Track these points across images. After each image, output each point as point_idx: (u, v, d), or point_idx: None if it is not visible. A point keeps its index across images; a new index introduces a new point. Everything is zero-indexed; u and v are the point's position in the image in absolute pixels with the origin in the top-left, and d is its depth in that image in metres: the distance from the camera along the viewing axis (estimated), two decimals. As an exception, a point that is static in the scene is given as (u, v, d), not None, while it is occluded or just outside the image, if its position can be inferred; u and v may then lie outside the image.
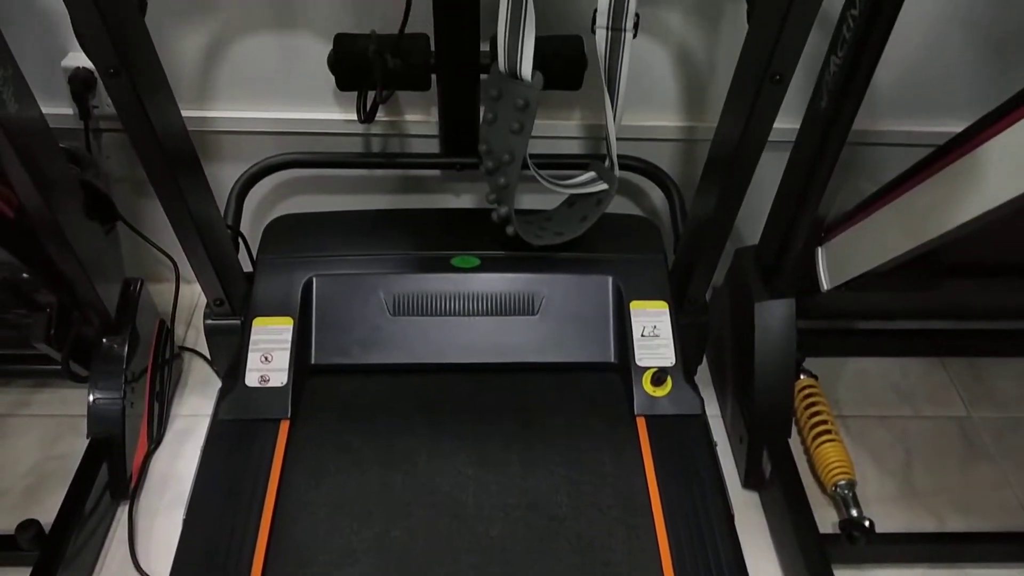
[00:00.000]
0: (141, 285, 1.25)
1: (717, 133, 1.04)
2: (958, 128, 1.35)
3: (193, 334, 1.50)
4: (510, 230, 1.15)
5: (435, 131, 1.35)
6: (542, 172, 1.16)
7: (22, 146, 0.92)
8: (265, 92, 1.33)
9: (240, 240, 1.24)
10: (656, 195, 1.44)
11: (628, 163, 1.34)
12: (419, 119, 1.36)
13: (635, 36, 1.05)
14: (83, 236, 1.08)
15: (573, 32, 1.23)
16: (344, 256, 1.18)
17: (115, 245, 1.30)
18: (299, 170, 1.38)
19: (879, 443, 1.36)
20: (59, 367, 1.17)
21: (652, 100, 1.36)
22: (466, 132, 1.28)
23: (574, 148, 1.40)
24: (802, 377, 1.35)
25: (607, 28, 1.04)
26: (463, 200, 1.47)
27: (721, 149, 1.03)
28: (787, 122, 1.05)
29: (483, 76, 1.20)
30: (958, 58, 1.30)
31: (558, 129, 1.37)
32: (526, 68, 1.05)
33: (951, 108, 1.36)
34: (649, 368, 1.11)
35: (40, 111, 0.97)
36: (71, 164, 1.17)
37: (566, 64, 1.20)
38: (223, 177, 1.38)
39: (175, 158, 0.99)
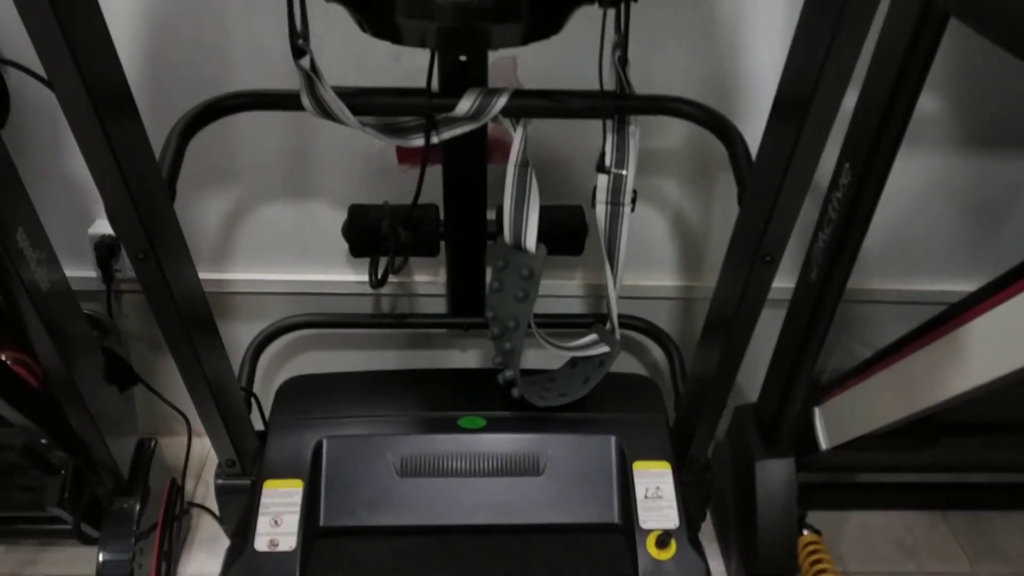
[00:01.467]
0: (155, 445, 1.27)
1: (714, 299, 1.09)
2: (942, 287, 1.42)
3: (203, 489, 1.51)
4: (515, 392, 1.19)
5: (443, 291, 1.41)
6: (545, 334, 1.21)
7: (49, 317, 0.96)
8: (281, 255, 1.40)
9: (253, 400, 1.28)
10: (656, 350, 1.49)
11: (628, 322, 1.39)
12: (427, 279, 1.42)
13: (633, 210, 1.11)
14: (101, 400, 1.11)
15: (575, 201, 1.29)
16: (353, 418, 1.21)
17: (130, 403, 1.33)
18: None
19: (886, 600, 1.36)
20: (69, 527, 1.19)
21: (651, 261, 1.42)
22: (473, 294, 1.33)
23: (577, 307, 1.45)
24: (805, 533, 1.35)
25: (606, 203, 1.10)
26: (469, 355, 1.51)
27: (718, 314, 1.08)
28: (783, 282, 1.10)
29: (489, 243, 1.26)
30: (939, 223, 1.36)
31: (561, 288, 1.43)
32: (530, 240, 1.11)
33: (934, 269, 1.42)
34: (653, 531, 1.13)
35: (67, 282, 1.02)
36: (93, 329, 1.22)
37: (568, 233, 1.26)
38: (238, 335, 1.42)
39: (192, 323, 1.03)
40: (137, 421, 1.43)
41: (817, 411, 1.20)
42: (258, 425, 1.27)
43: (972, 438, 1.17)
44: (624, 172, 1.07)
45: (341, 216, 1.28)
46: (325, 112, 0.99)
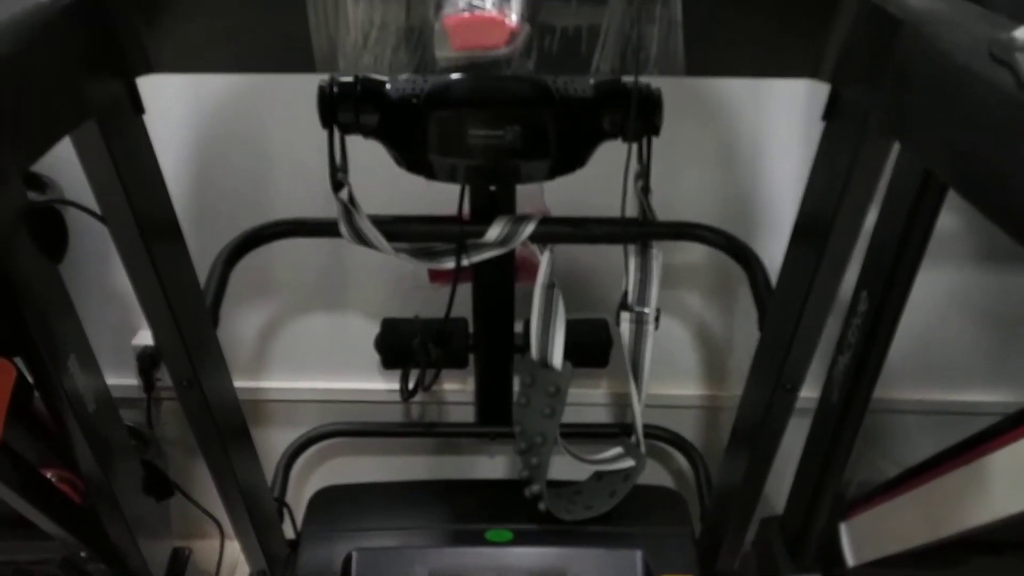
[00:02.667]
0: (189, 554, 1.30)
1: (738, 418, 1.11)
2: (966, 398, 1.43)
3: (232, 594, 1.53)
4: (542, 506, 1.21)
5: (471, 399, 1.44)
6: (571, 447, 1.23)
7: (94, 437, 0.99)
8: (314, 364, 1.44)
9: (285, 509, 1.30)
10: (682, 458, 1.50)
11: (654, 432, 1.41)
12: (456, 388, 1.45)
13: (657, 328, 1.14)
14: (139, 512, 1.14)
15: (599, 311, 1.33)
16: (383, 530, 1.23)
17: (166, 511, 1.36)
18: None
19: None
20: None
21: (674, 371, 1.44)
22: (500, 404, 1.36)
23: (602, 415, 1.47)
24: (834, 648, 1.35)
25: (631, 321, 1.14)
26: (497, 462, 1.53)
27: (742, 432, 1.10)
28: (809, 391, 1.12)
29: (517, 356, 1.29)
30: (960, 335, 1.38)
31: (587, 397, 1.45)
32: (557, 358, 1.14)
33: (957, 379, 1.43)
34: (680, 647, 1.13)
35: (113, 404, 1.06)
36: (134, 440, 1.25)
37: (593, 346, 1.30)
38: (272, 441, 1.46)
39: (228, 437, 1.06)
40: (172, 525, 1.46)
41: (843, 527, 1.21)
42: (289, 533, 1.30)
43: (1004, 558, 1.16)
44: (646, 310, 1.10)
45: (373, 327, 1.32)
46: (361, 240, 1.03)
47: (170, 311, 0.86)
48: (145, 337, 1.39)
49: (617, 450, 1.26)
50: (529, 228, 1.05)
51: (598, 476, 1.28)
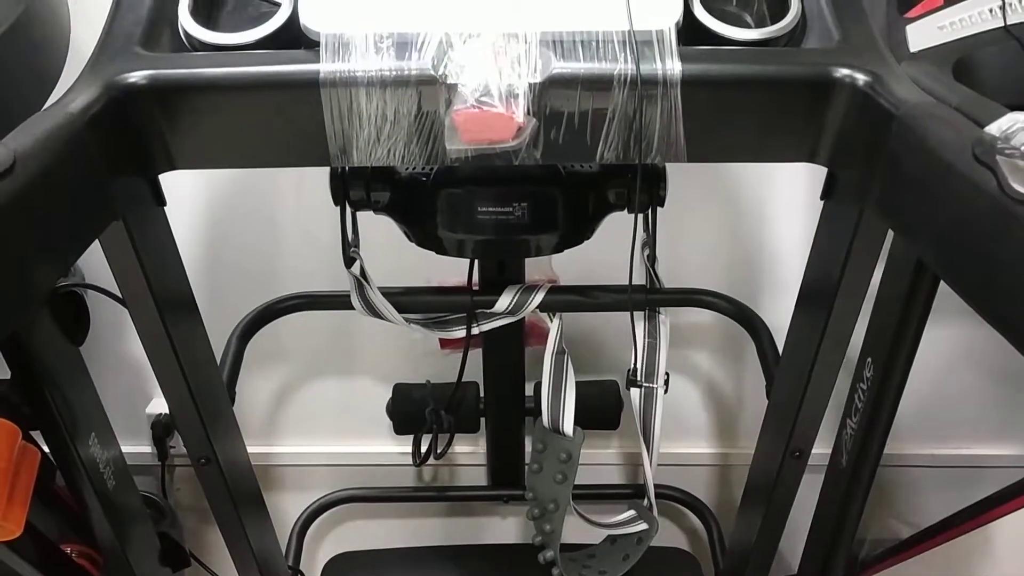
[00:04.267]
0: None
1: (748, 483, 1.12)
2: (974, 451, 1.44)
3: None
4: (556, 572, 1.21)
5: (483, 460, 1.45)
6: (584, 511, 1.24)
7: (113, 513, 1.01)
8: (326, 429, 1.45)
9: (300, 577, 1.31)
10: (694, 518, 1.50)
11: (666, 492, 1.42)
12: (468, 450, 1.46)
13: (666, 391, 1.15)
14: (156, 584, 1.15)
15: (609, 372, 1.34)
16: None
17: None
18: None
19: None
20: None
21: (685, 429, 1.45)
22: (512, 466, 1.37)
23: (614, 475, 1.48)
24: None
25: (640, 386, 1.15)
26: (508, 523, 1.53)
27: (753, 496, 1.10)
28: (820, 447, 1.13)
29: (528, 419, 1.31)
30: (968, 389, 1.39)
31: (598, 457, 1.46)
32: (568, 425, 1.15)
33: (966, 433, 1.44)
34: None
35: (131, 479, 1.07)
36: (150, 509, 1.26)
37: (603, 409, 1.31)
38: (284, 505, 1.47)
39: (243, 505, 1.07)
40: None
41: (856, 587, 1.21)
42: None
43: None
44: (655, 386, 1.11)
45: (384, 391, 1.33)
46: (373, 312, 1.05)
47: (188, 391, 0.88)
48: (159, 405, 1.41)
49: (630, 513, 1.26)
50: (538, 298, 1.07)
51: (611, 540, 1.29)
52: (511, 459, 1.36)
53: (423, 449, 1.31)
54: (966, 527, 0.95)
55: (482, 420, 1.33)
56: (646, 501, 1.24)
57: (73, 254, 0.65)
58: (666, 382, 1.15)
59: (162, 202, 0.78)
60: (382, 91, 0.71)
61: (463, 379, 1.26)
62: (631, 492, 1.42)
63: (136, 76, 0.69)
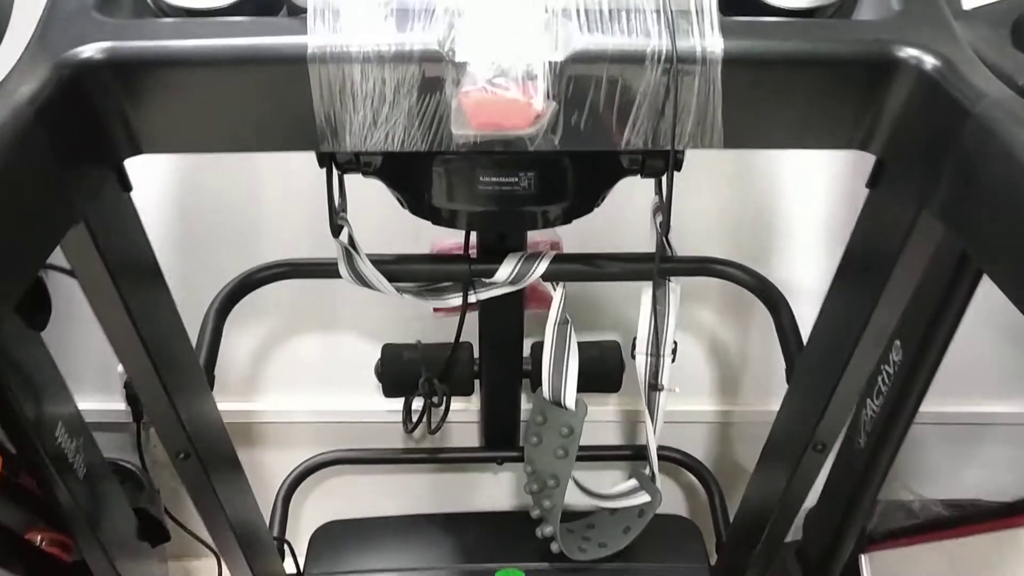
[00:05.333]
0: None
1: (762, 463, 1.06)
2: (986, 408, 1.39)
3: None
4: (554, 547, 1.17)
5: (476, 418, 1.39)
6: (584, 483, 1.19)
7: (85, 500, 0.95)
8: (311, 385, 1.38)
9: (286, 547, 1.26)
10: (693, 479, 1.46)
11: (667, 455, 1.37)
12: (460, 408, 1.39)
13: (674, 360, 1.09)
14: (133, 563, 1.09)
15: (612, 331, 1.28)
16: (389, 571, 1.19)
17: (161, 553, 1.31)
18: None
19: None
20: None
21: (685, 386, 1.39)
22: (508, 429, 1.31)
23: (613, 433, 1.42)
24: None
25: (646, 354, 1.08)
26: (501, 479, 1.48)
27: (768, 476, 1.05)
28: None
29: (525, 380, 1.25)
30: (988, 349, 1.34)
31: (596, 415, 1.40)
32: (570, 398, 1.09)
33: (981, 390, 1.39)
34: None
35: (104, 463, 1.01)
36: (126, 480, 1.20)
37: (604, 371, 1.24)
38: (270, 466, 1.41)
39: (222, 491, 0.99)
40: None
41: (864, 559, 1.17)
42: (290, 567, 1.26)
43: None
44: (662, 356, 1.05)
45: (373, 347, 1.26)
46: (363, 282, 0.97)
47: (163, 388, 0.80)
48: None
49: (631, 483, 1.21)
50: (542, 267, 0.99)
51: (611, 510, 1.24)
52: (506, 421, 1.30)
53: (415, 416, 1.24)
54: (988, 527, 0.90)
55: (476, 382, 1.26)
56: (648, 470, 1.19)
57: (34, 266, 0.56)
58: (673, 351, 1.09)
59: (128, 187, 0.69)
60: (380, 68, 0.61)
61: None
62: (631, 454, 1.36)
63: (92, 49, 0.59)
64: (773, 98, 0.64)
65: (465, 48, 0.61)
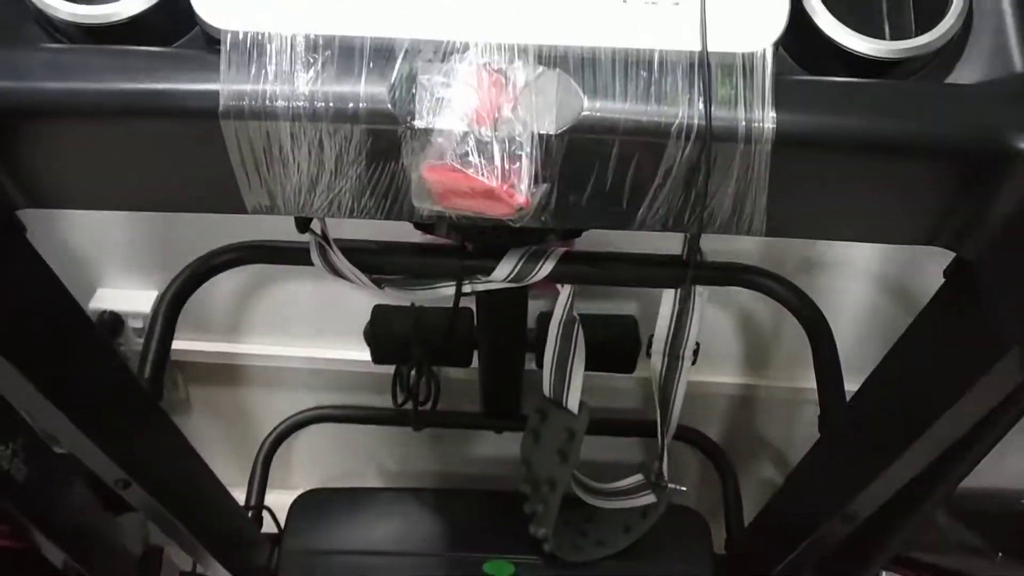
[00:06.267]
0: (161, 553, 1.19)
1: (776, 504, 0.95)
2: None
3: None
4: (547, 547, 1.07)
5: (475, 375, 1.28)
6: (584, 487, 1.08)
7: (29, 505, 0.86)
8: (300, 330, 1.27)
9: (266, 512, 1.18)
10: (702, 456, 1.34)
11: (680, 434, 1.25)
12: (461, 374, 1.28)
13: (694, 363, 0.97)
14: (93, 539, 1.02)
15: (627, 302, 1.15)
16: (370, 555, 1.11)
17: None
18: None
19: None
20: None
21: (705, 356, 1.27)
22: (509, 397, 1.20)
23: (628, 399, 1.31)
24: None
25: (664, 355, 0.96)
26: (503, 442, 1.38)
27: (787, 517, 0.93)
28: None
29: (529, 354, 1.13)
30: None
31: (611, 379, 1.29)
32: (573, 401, 0.98)
33: None
34: None
35: (54, 463, 0.91)
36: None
37: (619, 349, 1.12)
38: (255, 409, 1.33)
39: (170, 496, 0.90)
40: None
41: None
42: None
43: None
44: (681, 357, 0.92)
45: (365, 297, 1.14)
46: (337, 273, 0.85)
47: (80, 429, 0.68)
48: (104, 299, 1.22)
49: (637, 479, 1.11)
50: (547, 267, 0.85)
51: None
52: (506, 392, 1.19)
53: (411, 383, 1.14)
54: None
55: (475, 352, 1.14)
56: (657, 466, 1.08)
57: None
58: (695, 353, 0.96)
59: (21, 230, 0.56)
60: (314, 127, 0.46)
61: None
62: (640, 432, 1.26)
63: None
64: (836, 186, 0.49)
65: (427, 107, 0.46)
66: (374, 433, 1.35)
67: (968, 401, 0.55)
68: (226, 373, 1.31)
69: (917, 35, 0.48)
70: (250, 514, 1.14)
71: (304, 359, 1.29)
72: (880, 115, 0.46)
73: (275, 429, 1.23)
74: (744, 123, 0.45)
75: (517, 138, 0.46)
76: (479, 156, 0.46)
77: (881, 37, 0.48)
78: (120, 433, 0.74)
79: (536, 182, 0.46)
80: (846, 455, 0.75)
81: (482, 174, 0.45)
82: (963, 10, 0.47)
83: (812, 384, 0.92)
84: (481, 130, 0.45)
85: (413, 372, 1.11)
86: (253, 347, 1.29)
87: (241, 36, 0.45)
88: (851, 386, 0.80)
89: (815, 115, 0.46)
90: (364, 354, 1.27)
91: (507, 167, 0.45)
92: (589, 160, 0.47)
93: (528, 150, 0.46)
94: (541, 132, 0.46)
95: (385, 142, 0.47)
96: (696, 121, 0.45)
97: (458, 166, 0.46)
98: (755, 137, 0.45)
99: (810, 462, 0.83)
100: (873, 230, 0.53)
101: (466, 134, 0.45)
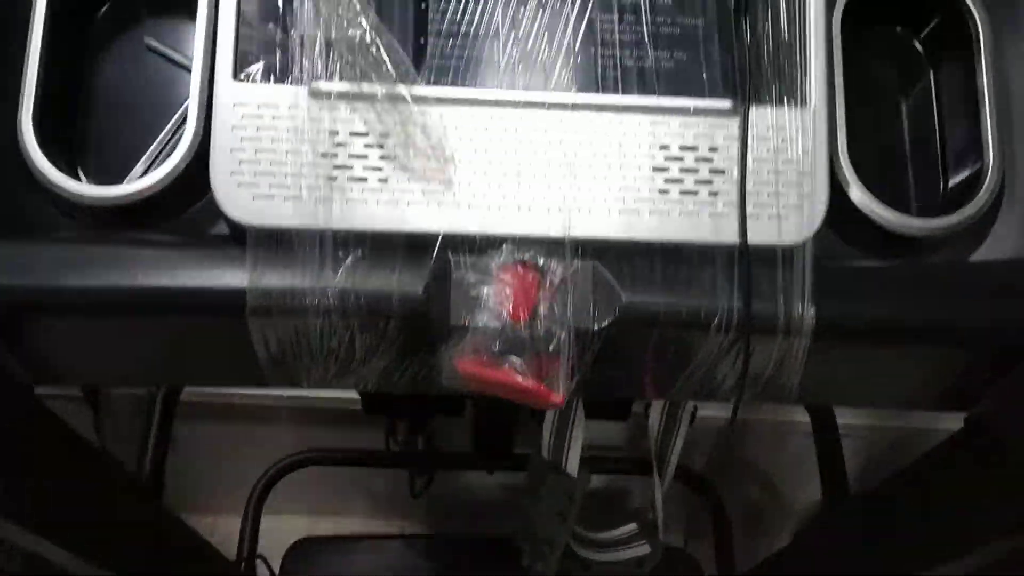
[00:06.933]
0: None
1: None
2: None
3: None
4: (543, 604, 1.08)
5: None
6: (579, 542, 1.09)
7: None
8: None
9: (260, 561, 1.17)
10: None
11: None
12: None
13: (692, 424, 0.97)
14: None
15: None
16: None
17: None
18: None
19: None
20: None
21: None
22: (501, 437, 1.20)
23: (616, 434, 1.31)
24: None
25: (662, 413, 0.96)
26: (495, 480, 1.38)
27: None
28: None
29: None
30: None
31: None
32: (572, 465, 0.97)
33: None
34: None
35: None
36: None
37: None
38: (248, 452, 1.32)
39: None
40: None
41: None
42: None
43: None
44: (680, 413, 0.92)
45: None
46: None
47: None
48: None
49: (631, 528, 1.11)
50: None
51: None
52: (499, 433, 1.19)
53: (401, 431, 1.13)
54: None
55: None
56: (651, 517, 1.09)
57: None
58: (693, 415, 0.96)
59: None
60: (345, 323, 0.45)
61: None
62: (631, 468, 1.26)
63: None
64: (869, 366, 0.49)
65: (463, 303, 0.45)
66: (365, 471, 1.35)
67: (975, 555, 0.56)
68: (221, 412, 1.30)
69: (948, 197, 0.48)
70: (243, 566, 1.13)
71: (295, 397, 1.28)
72: (915, 306, 0.46)
73: (265, 473, 1.22)
74: (783, 317, 0.45)
75: (554, 335, 0.45)
76: (515, 354, 0.45)
77: (910, 198, 0.48)
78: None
79: (572, 377, 0.46)
80: (852, 545, 0.76)
81: (519, 373, 0.45)
82: (996, 183, 0.47)
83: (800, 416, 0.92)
84: (517, 327, 0.44)
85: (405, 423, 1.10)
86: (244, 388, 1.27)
87: (268, 232, 0.44)
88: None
89: (853, 307, 0.46)
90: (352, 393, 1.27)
91: (544, 364, 0.45)
92: (624, 347, 0.46)
93: (566, 349, 0.45)
94: (580, 327, 0.45)
95: (418, 337, 0.45)
96: (736, 315, 0.45)
97: (494, 364, 0.45)
98: (794, 330, 0.45)
99: (803, 543, 0.84)
100: (901, 400, 0.53)
101: (501, 331, 0.44)
